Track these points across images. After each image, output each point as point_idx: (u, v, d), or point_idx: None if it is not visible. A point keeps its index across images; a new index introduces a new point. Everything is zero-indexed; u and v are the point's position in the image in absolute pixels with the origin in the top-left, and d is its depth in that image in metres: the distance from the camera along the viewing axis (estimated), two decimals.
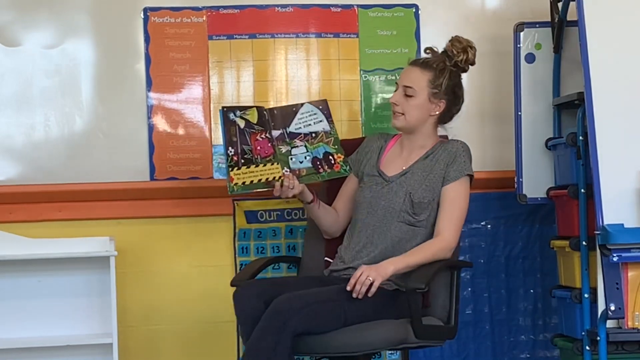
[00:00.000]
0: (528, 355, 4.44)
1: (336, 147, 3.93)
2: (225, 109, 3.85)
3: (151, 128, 4.25)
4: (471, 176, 3.76)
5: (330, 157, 3.90)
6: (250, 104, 4.25)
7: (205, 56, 4.28)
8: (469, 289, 4.38)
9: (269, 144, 3.86)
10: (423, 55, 3.93)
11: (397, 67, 4.33)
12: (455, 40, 3.84)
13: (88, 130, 4.24)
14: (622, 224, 3.61)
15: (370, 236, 3.75)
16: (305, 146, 3.90)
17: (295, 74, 4.32)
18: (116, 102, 4.25)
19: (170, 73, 4.26)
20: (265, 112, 3.91)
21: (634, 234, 3.60)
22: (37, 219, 4.20)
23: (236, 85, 4.29)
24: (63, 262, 4.11)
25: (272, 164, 3.83)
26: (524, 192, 4.21)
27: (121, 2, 4.25)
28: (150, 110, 4.25)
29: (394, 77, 4.33)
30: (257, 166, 3.81)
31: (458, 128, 4.21)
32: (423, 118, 3.79)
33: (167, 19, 4.25)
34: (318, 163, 3.89)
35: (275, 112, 3.94)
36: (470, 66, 3.87)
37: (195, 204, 4.25)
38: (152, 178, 4.24)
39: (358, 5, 4.35)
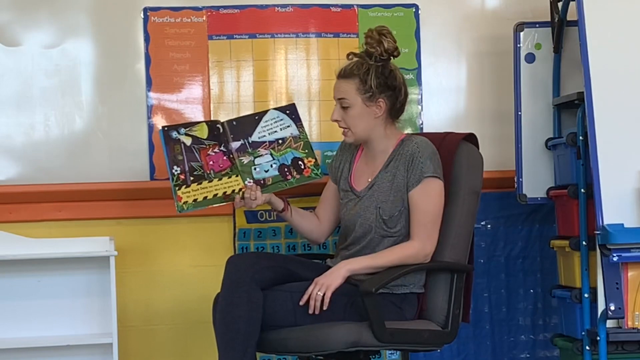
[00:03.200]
0: (528, 355, 4.44)
1: (306, 151, 3.86)
2: (165, 128, 3.81)
3: (151, 128, 4.25)
4: (435, 176, 3.63)
5: (300, 162, 3.83)
6: (250, 104, 4.26)
7: (205, 56, 4.28)
8: None
9: (224, 157, 3.80)
10: (352, 60, 3.76)
11: None
12: (367, 37, 3.69)
13: (88, 130, 4.24)
14: (622, 224, 3.62)
15: (357, 252, 3.71)
16: (271, 154, 3.83)
17: (295, 74, 4.32)
18: (116, 102, 4.25)
19: (170, 73, 4.26)
20: (219, 126, 3.84)
21: (634, 234, 3.60)
22: (37, 219, 4.20)
23: (236, 85, 4.29)
24: (63, 262, 4.11)
25: (230, 177, 3.77)
26: (524, 192, 4.21)
27: (121, 2, 4.25)
28: (150, 110, 4.25)
29: None
30: (210, 181, 3.75)
31: (458, 128, 4.22)
32: (369, 124, 3.69)
33: (167, 19, 4.26)
34: (286, 170, 3.82)
35: (234, 123, 3.88)
36: (395, 51, 3.71)
37: None
38: (152, 178, 4.24)
39: (358, 5, 4.35)
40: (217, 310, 3.51)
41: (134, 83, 4.25)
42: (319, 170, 3.84)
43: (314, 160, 3.85)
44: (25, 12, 4.20)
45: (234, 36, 4.29)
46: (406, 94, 3.74)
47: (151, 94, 4.25)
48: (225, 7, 4.28)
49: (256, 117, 3.91)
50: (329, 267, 3.72)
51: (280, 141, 3.87)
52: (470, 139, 3.82)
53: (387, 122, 3.72)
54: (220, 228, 4.31)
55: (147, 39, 4.25)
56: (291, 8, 4.31)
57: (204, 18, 4.28)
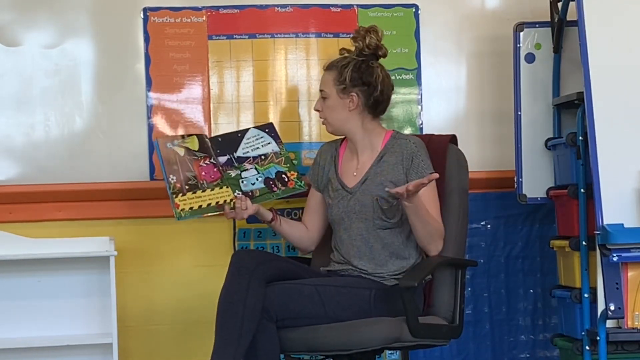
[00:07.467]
0: (528, 355, 4.44)
1: (288, 165, 3.95)
2: (160, 140, 3.92)
3: (151, 128, 4.25)
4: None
5: (283, 175, 3.93)
6: (250, 104, 4.26)
7: (205, 56, 4.28)
8: (469, 288, 4.38)
9: (215, 169, 3.88)
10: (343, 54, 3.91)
11: (397, 67, 4.33)
12: (355, 32, 3.84)
13: (88, 130, 4.24)
14: (622, 224, 3.62)
15: (353, 251, 3.74)
16: (256, 168, 3.93)
17: (295, 74, 4.32)
18: (116, 102, 4.26)
19: (170, 73, 4.26)
20: (206, 140, 3.96)
21: (634, 234, 3.60)
22: (37, 219, 4.20)
23: (236, 85, 4.30)
24: (63, 262, 4.11)
25: (221, 188, 3.85)
26: (524, 192, 4.21)
27: (121, 2, 4.26)
28: (150, 110, 4.25)
29: (393, 77, 4.31)
30: (204, 191, 3.83)
31: (458, 128, 4.23)
32: (344, 116, 3.78)
33: (167, 19, 4.26)
34: (271, 182, 3.91)
35: (219, 139, 3.98)
36: (380, 50, 3.81)
37: None
38: (152, 178, 4.24)
39: (358, 5, 4.35)
40: (219, 299, 3.52)
41: (134, 83, 4.25)
42: (302, 182, 3.93)
43: (296, 173, 3.95)
44: (25, 12, 4.20)
45: (234, 36, 4.29)
46: (383, 92, 3.80)
47: (151, 94, 4.25)
48: (225, 7, 4.28)
49: (239, 135, 4.02)
50: (328, 274, 3.74)
51: (263, 157, 3.97)
52: (453, 140, 3.92)
53: (363, 117, 3.80)
54: (220, 228, 4.31)
55: (147, 39, 4.25)
56: (291, 8, 4.31)
57: (204, 18, 4.28)
